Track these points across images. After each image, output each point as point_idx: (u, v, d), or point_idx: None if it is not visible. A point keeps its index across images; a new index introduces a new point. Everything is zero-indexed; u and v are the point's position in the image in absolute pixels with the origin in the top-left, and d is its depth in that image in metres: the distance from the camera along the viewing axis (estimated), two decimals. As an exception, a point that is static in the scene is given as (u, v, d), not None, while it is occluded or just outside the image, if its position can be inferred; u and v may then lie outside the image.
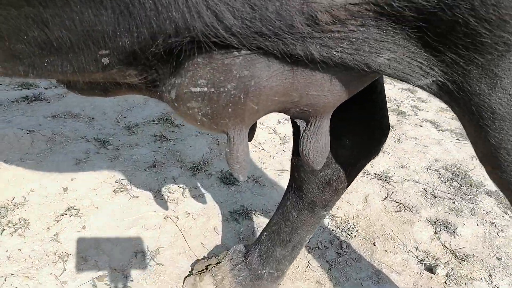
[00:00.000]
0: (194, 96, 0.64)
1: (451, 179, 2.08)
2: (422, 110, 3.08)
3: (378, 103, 0.94)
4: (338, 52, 0.57)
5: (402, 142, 2.49)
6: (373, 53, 0.57)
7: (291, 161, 1.07)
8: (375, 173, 2.06)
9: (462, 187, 2.01)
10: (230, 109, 0.65)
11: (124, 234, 1.42)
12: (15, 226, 1.37)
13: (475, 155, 2.36)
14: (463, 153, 2.42)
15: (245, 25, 0.53)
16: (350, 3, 0.50)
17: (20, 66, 0.57)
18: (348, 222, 1.66)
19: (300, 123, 0.75)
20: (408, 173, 2.11)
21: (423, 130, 2.70)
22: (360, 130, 0.96)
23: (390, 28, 0.54)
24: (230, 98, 0.64)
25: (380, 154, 2.34)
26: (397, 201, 1.84)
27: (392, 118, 2.85)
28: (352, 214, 1.73)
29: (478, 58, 0.52)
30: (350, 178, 1.02)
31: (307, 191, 1.04)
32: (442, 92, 0.60)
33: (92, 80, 0.67)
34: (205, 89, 0.63)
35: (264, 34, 0.54)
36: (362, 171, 2.04)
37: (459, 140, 2.61)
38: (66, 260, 1.26)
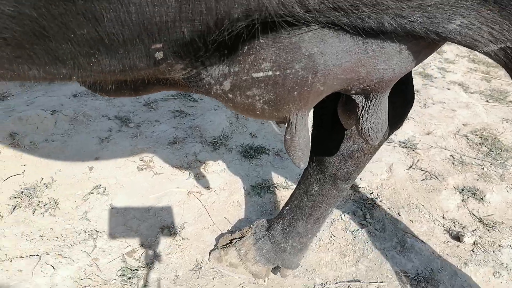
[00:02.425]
0: (256, 83, 0.60)
1: (480, 144, 2.00)
2: (450, 71, 2.94)
3: (406, 76, 0.89)
4: (412, 19, 0.53)
5: (428, 107, 2.40)
6: (445, 19, 0.53)
7: (312, 134, 1.05)
8: (399, 141, 2.01)
9: (491, 152, 1.94)
10: (296, 92, 0.61)
11: (150, 211, 1.45)
12: (46, 206, 1.42)
13: (505, 117, 2.25)
14: (493, 116, 2.32)
15: (324, 1, 0.49)
16: None
17: (64, 69, 0.54)
18: (372, 193, 1.64)
19: (359, 99, 0.70)
20: (435, 140, 2.04)
21: (450, 93, 2.58)
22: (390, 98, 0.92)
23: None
24: (298, 80, 0.59)
25: (405, 120, 2.28)
26: (422, 169, 1.79)
27: (418, 81, 2.74)
28: (376, 184, 1.70)
29: None
30: (373, 150, 0.99)
31: (328, 164, 1.02)
32: (508, 59, 0.56)
33: (134, 79, 0.64)
34: (270, 73, 0.59)
35: (342, 9, 0.50)
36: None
37: (488, 102, 2.49)
38: (96, 238, 1.31)
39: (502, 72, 2.96)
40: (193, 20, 0.50)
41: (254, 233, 1.21)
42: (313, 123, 1.05)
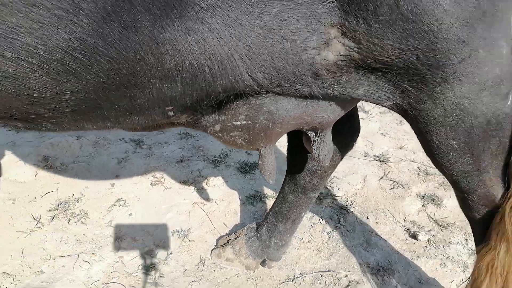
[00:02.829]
0: (236, 128, 0.94)
1: (445, 156, 2.31)
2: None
3: (351, 113, 1.22)
4: (331, 90, 0.86)
5: (403, 124, 2.71)
6: (354, 88, 0.86)
7: (287, 157, 1.37)
8: (375, 155, 2.32)
9: (454, 164, 2.24)
10: (262, 134, 0.95)
11: (162, 219, 1.77)
12: (78, 216, 1.75)
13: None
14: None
15: (272, 82, 0.83)
16: (339, 61, 0.79)
17: (109, 124, 0.88)
18: (347, 200, 1.96)
19: (311, 134, 1.04)
20: (405, 153, 2.36)
21: (424, 111, 2.90)
22: (337, 131, 1.24)
23: (364, 72, 0.83)
24: (263, 126, 0.93)
25: (382, 137, 2.59)
26: (391, 179, 2.11)
27: (396, 101, 3.05)
28: (351, 193, 2.02)
29: (424, 88, 0.81)
30: (331, 167, 1.31)
31: (299, 179, 1.34)
32: (399, 109, 0.89)
33: (154, 124, 0.98)
34: (244, 122, 0.92)
35: (283, 85, 0.84)
36: (363, 154, 2.31)
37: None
38: (120, 240, 1.63)
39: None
40: (192, 95, 0.84)
41: (246, 234, 1.53)
42: (287, 151, 1.38)
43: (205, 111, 0.94)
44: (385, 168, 2.20)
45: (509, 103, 0.87)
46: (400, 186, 2.05)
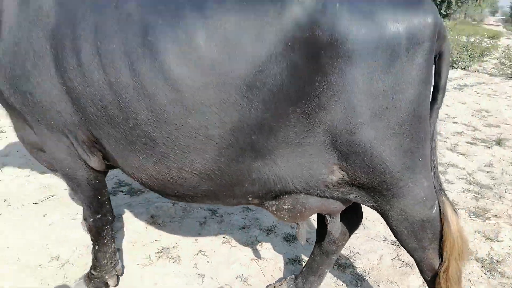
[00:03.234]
0: (284, 209, 1.76)
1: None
2: (447, 191, 3.88)
3: (355, 205, 2.00)
4: (336, 194, 1.67)
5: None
6: (347, 194, 1.66)
7: (316, 230, 2.14)
8: (392, 240, 2.96)
9: (457, 253, 2.81)
10: (299, 214, 1.76)
11: (229, 267, 2.54)
12: (174, 258, 2.57)
13: (480, 230, 3.15)
14: (469, 228, 3.20)
15: (303, 189, 1.64)
16: (338, 181, 1.60)
17: (218, 202, 1.76)
18: (365, 271, 2.60)
19: (327, 217, 1.83)
20: (418, 241, 2.96)
21: (442, 208, 3.51)
22: (347, 217, 2.01)
23: (353, 187, 1.63)
24: (299, 210, 1.75)
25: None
26: (402, 260, 2.72)
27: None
28: (369, 266, 2.66)
29: (383, 198, 1.59)
30: (343, 240, 2.05)
31: (324, 245, 2.08)
32: (375, 208, 1.66)
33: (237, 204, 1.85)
34: (289, 206, 1.75)
35: (309, 190, 1.65)
36: (382, 238, 2.97)
37: (470, 217, 3.38)
38: (202, 277, 2.41)
39: (491, 193, 3.85)
40: (263, 192, 1.69)
41: (287, 282, 2.25)
42: (316, 226, 2.15)
43: (267, 199, 1.78)
44: (398, 251, 2.83)
45: (434, 211, 1.61)
46: (408, 266, 2.66)
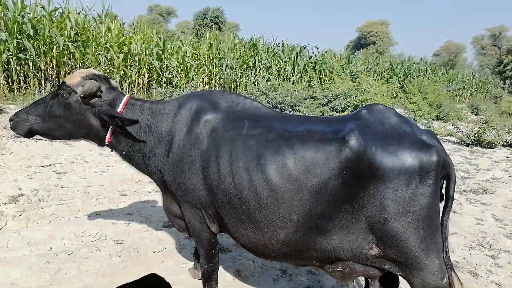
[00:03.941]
0: (337, 271, 2.59)
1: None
2: (494, 274, 4.25)
3: (393, 275, 2.73)
4: (373, 264, 2.48)
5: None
6: (383, 264, 2.46)
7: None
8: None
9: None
10: (348, 275, 2.58)
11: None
12: (254, 304, 3.41)
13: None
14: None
15: (350, 258, 2.51)
16: (376, 253, 2.42)
17: (290, 261, 2.65)
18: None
19: (369, 280, 2.62)
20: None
21: (488, 289, 3.93)
22: (386, 282, 2.73)
23: (386, 260, 2.42)
24: (348, 272, 2.57)
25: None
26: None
27: (464, 277, 4.16)
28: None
29: (407, 269, 2.36)
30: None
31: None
32: (402, 276, 2.42)
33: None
34: (341, 269, 2.57)
35: (355, 260, 2.50)
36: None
37: None
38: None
39: (541, 281, 4.16)
40: (323, 258, 2.54)
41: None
42: (365, 283, 2.88)
43: (326, 263, 2.61)
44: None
45: (445, 281, 2.32)
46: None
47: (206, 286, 3.08)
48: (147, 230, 4.73)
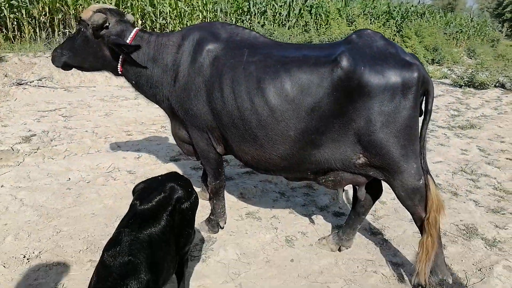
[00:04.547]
0: (329, 180, 2.96)
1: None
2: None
3: (377, 184, 3.12)
4: (361, 171, 2.85)
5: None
6: (368, 172, 2.84)
7: (352, 199, 3.29)
8: (416, 221, 3.95)
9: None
10: (338, 183, 2.96)
11: (296, 227, 3.75)
12: (257, 218, 3.85)
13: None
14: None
15: (340, 167, 2.87)
16: (363, 162, 2.78)
17: (287, 174, 3.03)
18: (391, 238, 3.64)
19: (357, 187, 3.01)
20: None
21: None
22: (370, 189, 3.13)
23: (372, 167, 2.79)
24: (338, 181, 2.95)
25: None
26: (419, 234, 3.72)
27: (447, 196, 4.61)
28: (394, 235, 3.69)
29: (389, 173, 2.74)
30: (370, 206, 3.18)
31: (356, 208, 3.22)
32: (384, 180, 2.81)
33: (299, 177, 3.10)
34: (332, 178, 2.95)
35: (345, 169, 2.86)
36: (408, 219, 3.98)
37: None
38: (276, 230, 3.66)
39: (513, 197, 4.62)
40: (317, 169, 2.92)
41: (332, 234, 3.40)
42: (352, 196, 3.29)
43: (319, 174, 2.99)
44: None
45: (421, 182, 2.70)
46: (424, 237, 3.65)
47: (215, 201, 3.48)
48: (155, 163, 5.10)
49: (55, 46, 10.43)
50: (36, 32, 10.51)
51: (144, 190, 1.90)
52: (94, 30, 3.09)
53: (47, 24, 10.83)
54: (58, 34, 11.06)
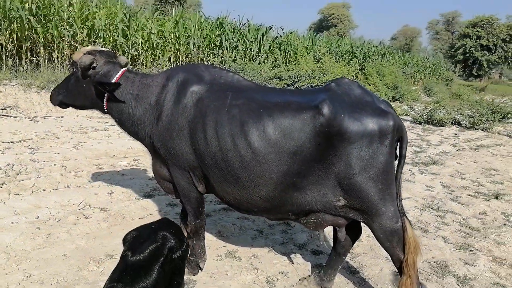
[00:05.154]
0: (310, 222, 3.02)
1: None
2: (442, 229, 4.93)
3: (356, 224, 3.21)
4: (341, 213, 2.93)
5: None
6: (348, 214, 2.92)
7: (333, 237, 3.36)
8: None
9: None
10: (319, 225, 3.03)
11: (276, 267, 3.74)
12: (237, 258, 3.81)
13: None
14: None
15: (321, 210, 2.94)
16: (343, 205, 2.87)
17: (271, 216, 3.07)
18: (369, 277, 3.71)
19: (337, 228, 3.08)
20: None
21: (434, 241, 4.58)
22: (350, 230, 3.22)
23: (351, 209, 2.88)
24: (319, 222, 3.02)
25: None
26: (396, 272, 3.82)
27: (417, 233, 4.79)
28: (372, 274, 3.77)
29: (368, 215, 2.84)
30: (350, 246, 3.25)
31: (337, 249, 3.28)
32: (364, 222, 2.90)
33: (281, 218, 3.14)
34: (314, 220, 3.01)
35: (326, 211, 2.93)
36: (384, 256, 4.09)
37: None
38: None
39: (479, 234, 4.87)
40: (298, 211, 2.98)
41: (314, 275, 3.42)
42: (333, 237, 3.36)
43: (300, 216, 3.05)
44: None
45: (398, 224, 2.81)
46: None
47: (195, 241, 3.43)
48: (129, 199, 4.97)
49: (21, 74, 10.19)
50: (2, 60, 10.18)
51: (136, 239, 1.87)
52: (83, 70, 3.15)
53: (14, 52, 10.53)
54: (25, 62, 10.77)
